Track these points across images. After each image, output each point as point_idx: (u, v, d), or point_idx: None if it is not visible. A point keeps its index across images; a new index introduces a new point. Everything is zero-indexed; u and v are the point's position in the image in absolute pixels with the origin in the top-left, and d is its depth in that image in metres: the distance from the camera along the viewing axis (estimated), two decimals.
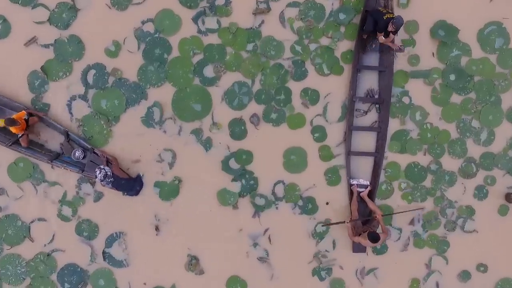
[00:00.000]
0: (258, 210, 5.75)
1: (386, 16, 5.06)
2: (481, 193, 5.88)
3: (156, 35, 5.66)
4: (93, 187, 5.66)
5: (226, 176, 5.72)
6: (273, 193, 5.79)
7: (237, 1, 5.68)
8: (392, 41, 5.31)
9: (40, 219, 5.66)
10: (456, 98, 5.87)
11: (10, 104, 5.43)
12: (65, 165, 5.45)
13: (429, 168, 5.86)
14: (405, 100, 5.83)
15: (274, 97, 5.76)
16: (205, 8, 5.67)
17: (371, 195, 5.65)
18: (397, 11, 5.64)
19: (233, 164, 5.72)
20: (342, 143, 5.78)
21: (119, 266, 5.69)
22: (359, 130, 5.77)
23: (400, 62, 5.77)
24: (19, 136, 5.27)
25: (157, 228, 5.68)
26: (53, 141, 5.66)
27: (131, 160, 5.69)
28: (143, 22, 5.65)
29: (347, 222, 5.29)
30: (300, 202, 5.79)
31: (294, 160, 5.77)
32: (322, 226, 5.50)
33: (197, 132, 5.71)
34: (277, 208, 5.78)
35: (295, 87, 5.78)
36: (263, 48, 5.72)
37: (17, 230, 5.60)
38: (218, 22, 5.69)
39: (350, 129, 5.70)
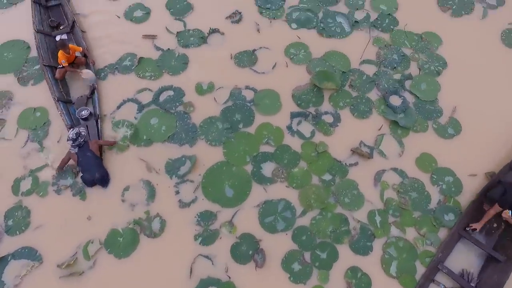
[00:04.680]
0: None
1: None
2: None
3: (249, 104, 5.11)
4: (72, 179, 4.64)
5: None
6: None
7: (343, 129, 4.98)
8: None
9: None
10: None
11: (79, 40, 5.53)
12: (64, 112, 4.96)
13: None
14: None
15: (314, 248, 4.26)
16: (311, 114, 5.06)
17: None
18: None
19: None
20: None
21: None
22: None
23: None
24: (59, 66, 5.17)
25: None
26: (79, 90, 5.32)
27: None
28: (247, 87, 5.28)
29: None
30: None
31: None
32: None
33: (207, 216, 4.41)
34: None
35: (346, 257, 4.24)
36: (339, 188, 4.57)
37: None
38: (313, 133, 4.91)
39: None
